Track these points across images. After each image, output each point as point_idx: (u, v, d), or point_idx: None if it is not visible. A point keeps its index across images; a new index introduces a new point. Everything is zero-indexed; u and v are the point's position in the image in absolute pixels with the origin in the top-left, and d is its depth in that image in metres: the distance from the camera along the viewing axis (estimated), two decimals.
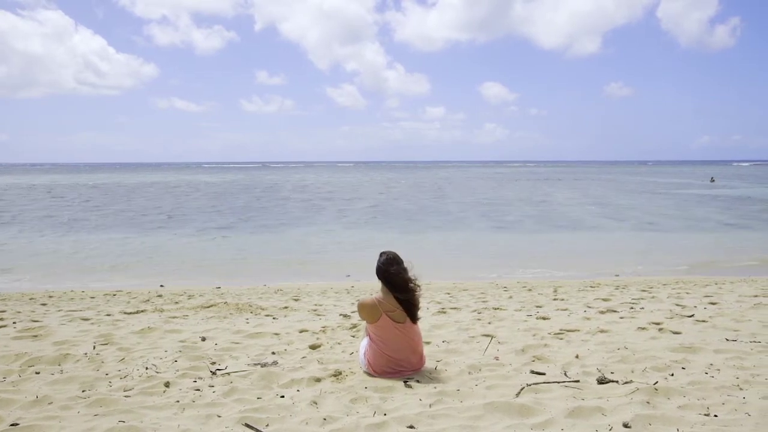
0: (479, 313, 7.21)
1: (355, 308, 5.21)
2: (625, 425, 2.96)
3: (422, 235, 20.17)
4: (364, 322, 4.41)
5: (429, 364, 4.43)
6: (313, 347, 5.16)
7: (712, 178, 62.86)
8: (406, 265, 4.19)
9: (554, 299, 8.63)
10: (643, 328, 5.81)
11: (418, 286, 4.17)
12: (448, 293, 9.74)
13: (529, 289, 10.08)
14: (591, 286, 10.43)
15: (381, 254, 4.24)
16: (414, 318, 4.13)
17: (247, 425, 3.00)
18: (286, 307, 8.06)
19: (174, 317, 7.14)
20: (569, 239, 18.84)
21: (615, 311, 7.07)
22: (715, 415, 3.11)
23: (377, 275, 4.20)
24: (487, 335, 5.50)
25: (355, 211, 28.63)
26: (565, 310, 7.39)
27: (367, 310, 4.13)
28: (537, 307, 7.74)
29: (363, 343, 4.34)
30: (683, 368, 4.19)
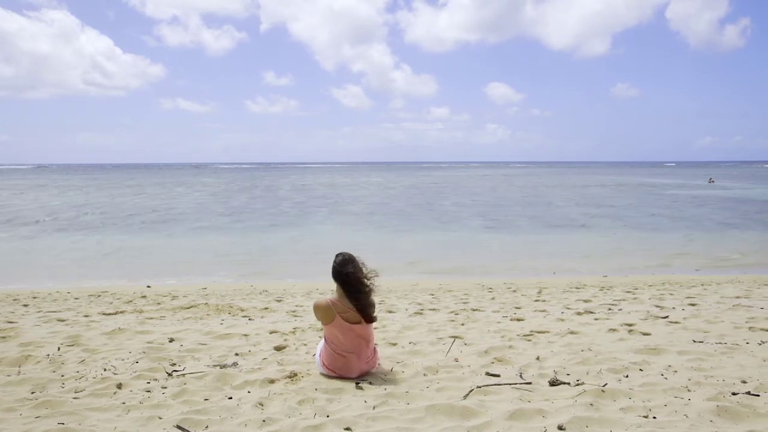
0: (456, 314, 7.18)
1: None
2: (560, 428, 2.94)
3: (417, 235, 20.16)
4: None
5: (387, 365, 4.42)
6: (278, 348, 5.16)
7: (710, 178, 62.63)
8: (361, 265, 4.18)
9: (536, 300, 8.60)
10: (614, 330, 5.79)
11: (372, 288, 4.16)
12: (432, 294, 9.71)
13: (514, 291, 10.04)
14: (576, 287, 10.40)
15: (336, 255, 4.23)
16: (369, 318, 4.12)
17: (179, 427, 2.99)
18: (266, 308, 8.06)
19: (151, 318, 7.15)
20: (563, 240, 18.80)
21: (592, 312, 7.04)
22: (654, 417, 3.09)
23: (332, 276, 4.19)
24: (455, 337, 5.49)
25: (352, 211, 28.66)
26: (543, 311, 7.35)
27: (321, 311, 4.13)
28: (516, 308, 7.70)
29: (320, 345, 4.34)
30: (641, 370, 4.17)
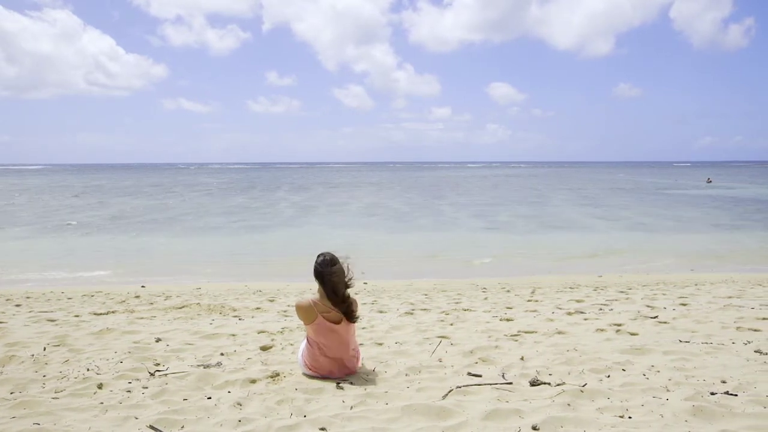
0: (446, 314, 7.17)
1: None
2: (534, 428, 2.94)
3: (414, 235, 20.16)
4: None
5: (371, 365, 4.41)
6: (264, 348, 5.15)
7: (708, 179, 62.57)
8: (343, 266, 4.17)
9: (528, 300, 8.59)
10: (602, 330, 5.77)
11: (350, 286, 4.16)
12: (425, 294, 9.70)
13: (508, 291, 10.03)
14: (570, 287, 10.39)
15: (318, 255, 4.23)
16: (351, 318, 4.12)
17: (152, 427, 2.99)
18: (258, 308, 8.06)
19: (141, 318, 7.14)
20: (560, 239, 18.80)
21: (582, 312, 7.03)
22: (630, 417, 3.08)
23: (314, 276, 4.19)
24: (442, 337, 5.48)
25: (351, 212, 28.66)
26: (534, 311, 7.34)
27: (303, 311, 4.13)
28: (507, 308, 7.69)
29: (302, 345, 4.34)
30: (623, 370, 4.15)
